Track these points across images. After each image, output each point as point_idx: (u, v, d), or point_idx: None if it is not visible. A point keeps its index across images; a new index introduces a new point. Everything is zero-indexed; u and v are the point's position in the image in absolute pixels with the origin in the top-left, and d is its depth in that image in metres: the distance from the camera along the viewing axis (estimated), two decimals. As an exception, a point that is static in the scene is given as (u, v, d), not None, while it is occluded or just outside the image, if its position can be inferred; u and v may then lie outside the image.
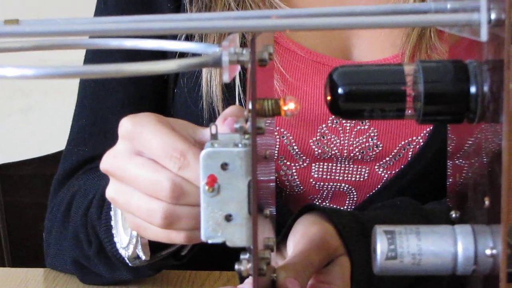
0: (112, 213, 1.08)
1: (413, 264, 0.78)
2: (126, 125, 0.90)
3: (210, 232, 0.77)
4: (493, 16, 0.70)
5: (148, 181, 0.91)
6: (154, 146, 0.89)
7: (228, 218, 0.77)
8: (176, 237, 0.95)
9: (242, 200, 0.77)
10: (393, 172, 1.29)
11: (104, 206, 1.10)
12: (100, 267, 1.17)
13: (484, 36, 0.71)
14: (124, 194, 0.94)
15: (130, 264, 1.09)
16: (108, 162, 0.93)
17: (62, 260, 1.22)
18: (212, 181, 0.76)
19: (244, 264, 0.76)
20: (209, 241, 0.77)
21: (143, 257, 1.04)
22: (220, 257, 0.79)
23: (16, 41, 0.78)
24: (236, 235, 0.77)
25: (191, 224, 0.93)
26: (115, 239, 1.08)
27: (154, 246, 1.07)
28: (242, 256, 0.77)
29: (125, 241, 1.05)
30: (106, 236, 1.10)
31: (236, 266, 0.77)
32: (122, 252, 1.07)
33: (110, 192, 0.96)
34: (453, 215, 0.83)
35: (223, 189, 0.76)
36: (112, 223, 1.07)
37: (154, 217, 0.92)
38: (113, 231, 1.08)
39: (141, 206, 0.92)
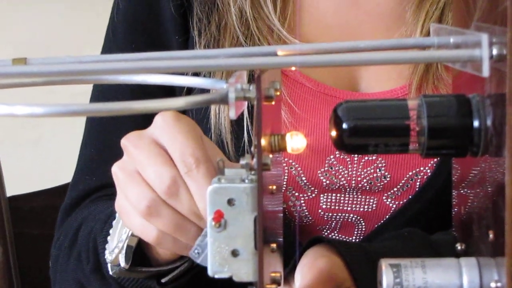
0: (114, 222, 1.09)
1: (420, 297, 0.79)
2: (168, 117, 0.94)
3: (217, 267, 0.77)
4: (494, 51, 0.70)
5: (152, 169, 0.94)
6: (177, 144, 0.93)
7: (235, 253, 0.77)
8: (148, 231, 0.98)
9: (248, 235, 0.77)
10: (401, 202, 1.29)
11: (109, 219, 1.11)
12: (95, 286, 1.18)
13: (486, 72, 0.71)
14: (126, 172, 0.97)
15: (118, 279, 1.11)
16: (131, 138, 0.97)
17: (65, 283, 1.23)
18: (219, 216, 0.77)
19: None
20: (216, 276, 0.78)
21: (123, 264, 1.05)
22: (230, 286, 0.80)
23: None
24: (242, 270, 0.77)
25: (167, 227, 0.96)
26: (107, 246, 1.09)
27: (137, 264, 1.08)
28: None
29: (113, 245, 1.06)
30: (102, 240, 1.11)
31: None
32: (108, 256, 1.07)
33: (116, 166, 0.99)
34: (459, 247, 0.83)
35: (229, 224, 0.77)
36: (111, 231, 1.08)
37: (140, 202, 0.95)
38: (108, 238, 1.08)
39: (135, 188, 0.95)
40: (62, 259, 1.24)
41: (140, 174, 0.96)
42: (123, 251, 1.05)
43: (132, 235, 1.04)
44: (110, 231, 1.09)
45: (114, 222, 1.08)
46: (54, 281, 1.26)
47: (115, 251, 1.06)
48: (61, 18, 2.20)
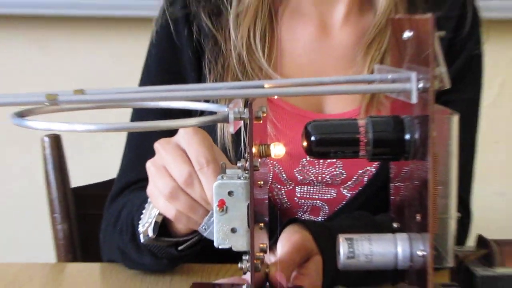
0: (146, 205, 1.09)
1: (366, 261, 0.78)
2: (188, 130, 0.96)
3: (221, 240, 0.78)
4: (420, 85, 0.71)
5: (175, 166, 0.96)
6: (194, 148, 0.95)
7: (233, 230, 0.78)
8: (169, 211, 1.00)
9: (243, 218, 0.78)
10: (354, 192, 1.28)
11: (142, 203, 1.11)
12: (132, 252, 1.16)
13: (414, 99, 0.72)
14: (156, 167, 0.99)
15: (146, 245, 1.11)
16: (161, 142, 0.99)
17: (111, 250, 1.22)
18: (222, 204, 0.78)
19: (244, 263, 0.78)
20: (220, 247, 0.78)
21: (151, 234, 1.05)
22: (230, 254, 0.80)
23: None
24: (239, 243, 0.78)
25: (183, 208, 0.98)
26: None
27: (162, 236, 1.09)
28: (243, 257, 0.78)
29: (144, 221, 1.07)
30: (137, 218, 1.10)
31: (239, 265, 0.78)
32: (141, 229, 1.08)
33: (149, 162, 1.01)
34: (395, 226, 0.83)
35: (229, 209, 0.78)
36: (143, 211, 1.09)
37: (165, 188, 0.97)
38: (142, 216, 1.09)
39: (161, 178, 0.98)
40: (109, 232, 1.24)
41: (166, 169, 0.97)
42: (152, 225, 1.06)
43: (159, 213, 1.05)
44: (143, 211, 1.09)
45: (146, 205, 1.08)
46: (103, 249, 1.26)
47: (145, 225, 1.07)
48: (111, 57, 2.18)
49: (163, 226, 1.08)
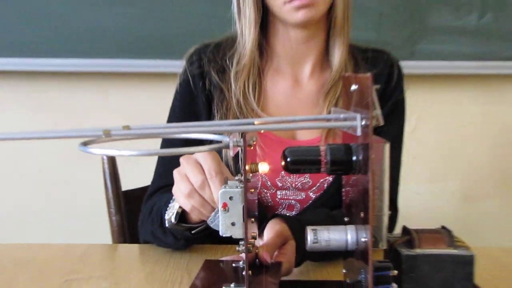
0: (171, 201, 1.10)
1: (326, 245, 0.78)
2: (205, 152, 0.97)
3: (224, 231, 0.78)
4: (363, 122, 0.71)
5: (193, 174, 0.97)
6: (207, 164, 0.96)
7: (233, 224, 0.77)
8: (186, 205, 1.00)
9: (240, 215, 0.77)
10: (317, 195, 1.27)
11: (168, 200, 1.11)
12: (160, 234, 1.15)
13: (359, 133, 0.72)
14: (180, 174, 0.99)
15: (170, 229, 1.11)
16: (185, 157, 1.00)
17: (146, 234, 1.21)
18: (225, 205, 0.77)
19: (241, 247, 0.78)
20: (224, 235, 0.78)
21: (173, 221, 1.06)
22: (231, 239, 0.79)
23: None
24: (237, 232, 0.78)
25: (196, 204, 0.99)
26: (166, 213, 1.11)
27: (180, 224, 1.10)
28: (240, 242, 0.78)
29: (169, 212, 1.08)
30: (164, 210, 1.11)
31: (237, 248, 0.79)
32: (166, 217, 1.09)
33: (175, 171, 1.01)
34: (346, 219, 0.82)
35: (230, 209, 0.77)
36: (169, 205, 1.09)
37: (185, 189, 0.98)
38: (167, 209, 1.10)
39: (183, 182, 0.98)
40: (144, 221, 1.23)
41: (186, 176, 0.98)
42: (174, 215, 1.07)
43: (179, 207, 1.05)
44: (169, 205, 1.09)
45: (171, 201, 1.09)
46: (140, 233, 1.25)
47: (170, 214, 1.08)
48: (149, 101, 2.18)
49: (182, 216, 1.08)
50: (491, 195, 2.35)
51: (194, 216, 1.04)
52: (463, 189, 2.34)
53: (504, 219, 2.36)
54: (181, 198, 1.00)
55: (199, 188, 0.97)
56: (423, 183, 2.32)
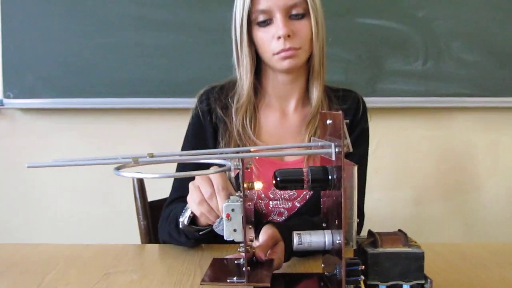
0: (185, 208, 1.07)
1: (309, 246, 0.77)
2: (214, 174, 0.95)
3: (228, 235, 0.76)
4: (336, 149, 0.70)
5: (204, 187, 0.95)
6: (216, 180, 0.94)
7: (235, 230, 0.76)
8: (197, 211, 0.98)
9: (240, 223, 0.76)
10: (301, 204, 1.25)
11: (182, 208, 1.08)
12: (175, 234, 1.13)
13: (333, 158, 0.71)
14: (194, 186, 0.97)
15: (184, 230, 1.09)
16: (199, 177, 0.97)
17: (164, 234, 1.19)
18: (228, 216, 0.76)
19: (241, 248, 0.77)
20: (228, 239, 0.76)
21: (186, 223, 1.04)
22: (233, 242, 0.78)
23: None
24: (238, 237, 0.76)
25: (205, 211, 0.97)
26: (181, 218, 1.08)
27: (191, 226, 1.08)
28: (240, 244, 0.77)
29: (184, 215, 1.05)
30: (179, 215, 1.08)
31: (238, 249, 0.78)
32: (180, 219, 1.06)
33: (191, 183, 0.99)
34: (324, 225, 0.81)
35: (232, 219, 0.76)
36: (183, 211, 1.07)
37: (196, 198, 0.96)
38: (182, 214, 1.07)
39: (196, 193, 0.96)
40: (163, 223, 1.21)
41: (199, 188, 0.96)
42: (187, 218, 1.05)
43: (191, 212, 1.04)
44: (183, 211, 1.07)
45: (185, 208, 1.06)
46: (159, 232, 1.22)
47: (183, 218, 1.06)
48: (168, 131, 2.17)
49: (193, 220, 1.06)
50: (435, 200, 2.34)
51: (202, 221, 1.02)
52: (413, 196, 2.33)
53: (445, 219, 2.34)
54: (193, 205, 0.98)
55: (208, 199, 0.95)
56: (383, 191, 2.31)
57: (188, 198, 1.00)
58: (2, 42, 2.05)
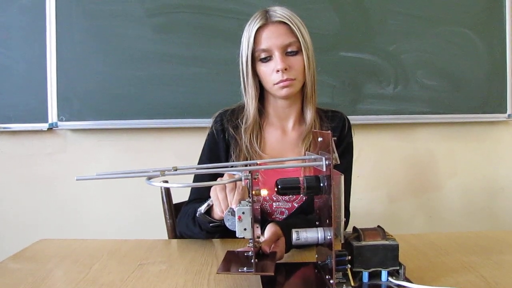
0: (202, 204, 1.05)
1: (305, 241, 0.76)
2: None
3: (239, 233, 0.75)
4: (327, 162, 0.70)
5: (228, 183, 0.91)
6: (238, 183, 0.91)
7: (245, 229, 0.75)
8: (215, 196, 0.94)
9: (249, 224, 0.75)
10: (298, 204, 1.23)
11: (200, 204, 1.06)
12: (191, 226, 1.12)
13: (324, 169, 0.70)
14: (221, 187, 0.94)
15: (198, 219, 1.06)
16: (226, 176, 0.93)
17: (182, 227, 1.18)
18: (239, 217, 0.75)
19: (250, 244, 0.77)
20: (239, 237, 0.75)
21: (202, 210, 1.02)
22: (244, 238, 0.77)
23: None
24: (248, 235, 0.75)
25: (221, 198, 0.93)
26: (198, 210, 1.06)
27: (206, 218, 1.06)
28: (250, 241, 0.77)
29: (203, 205, 1.04)
30: (197, 209, 1.06)
31: (248, 244, 0.79)
32: (198, 208, 1.04)
33: (219, 179, 0.94)
34: (317, 223, 0.80)
35: (243, 220, 0.75)
36: (201, 206, 1.04)
37: (219, 187, 0.93)
38: (200, 206, 1.05)
39: (220, 185, 0.93)
40: (182, 217, 1.20)
41: (221, 185, 0.94)
42: (204, 206, 1.03)
43: (207, 204, 1.02)
44: (201, 206, 1.05)
45: (202, 203, 1.05)
46: (177, 225, 1.22)
47: (202, 206, 1.04)
48: (188, 147, 2.15)
49: (209, 212, 1.04)
50: (405, 198, 2.33)
51: (215, 209, 0.99)
52: (388, 194, 2.32)
53: (414, 213, 2.33)
54: (214, 191, 0.96)
55: (228, 191, 0.94)
56: (364, 192, 2.29)
57: (212, 188, 0.98)
58: (57, 76, 2.07)
